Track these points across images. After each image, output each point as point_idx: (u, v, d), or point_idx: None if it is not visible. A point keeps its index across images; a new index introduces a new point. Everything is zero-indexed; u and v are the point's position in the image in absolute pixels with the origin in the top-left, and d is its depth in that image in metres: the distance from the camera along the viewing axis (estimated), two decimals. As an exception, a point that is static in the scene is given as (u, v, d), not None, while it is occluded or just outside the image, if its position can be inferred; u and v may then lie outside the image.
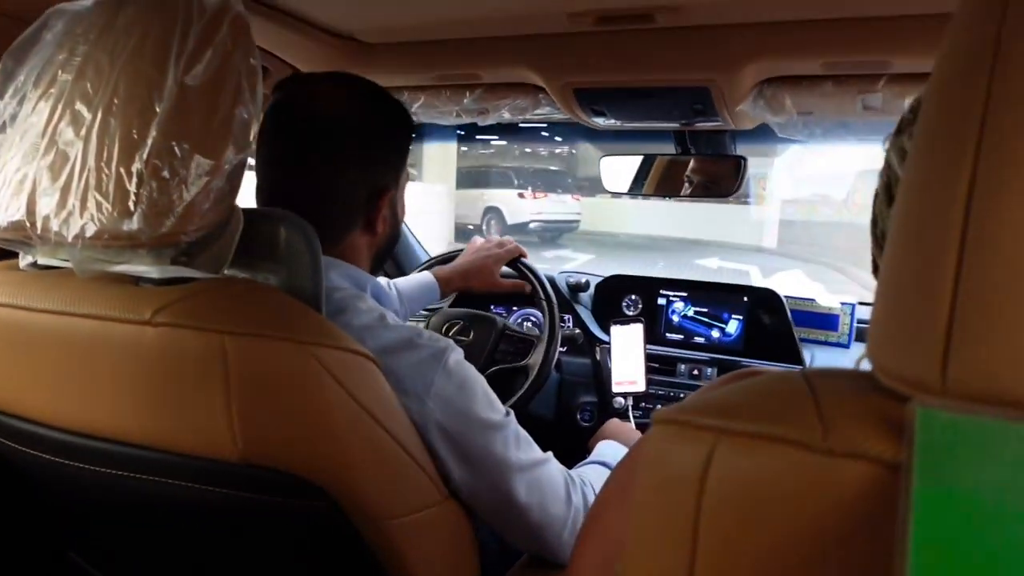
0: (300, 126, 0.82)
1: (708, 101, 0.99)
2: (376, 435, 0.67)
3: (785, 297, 1.49)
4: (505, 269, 1.42)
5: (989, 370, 0.27)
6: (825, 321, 1.50)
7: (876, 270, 0.44)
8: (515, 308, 1.70)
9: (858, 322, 1.50)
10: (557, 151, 12.54)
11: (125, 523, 0.75)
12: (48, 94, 0.64)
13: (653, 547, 0.36)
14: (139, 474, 0.65)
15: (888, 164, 0.44)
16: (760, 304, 1.51)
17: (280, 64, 1.18)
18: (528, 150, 12.46)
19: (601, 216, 11.41)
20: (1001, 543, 0.24)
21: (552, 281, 1.61)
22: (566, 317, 1.66)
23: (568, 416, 1.57)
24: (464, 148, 11.59)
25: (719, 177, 1.30)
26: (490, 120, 1.26)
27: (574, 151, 12.47)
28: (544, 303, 1.34)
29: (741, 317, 1.52)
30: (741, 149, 1.34)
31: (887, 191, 0.43)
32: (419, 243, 1.91)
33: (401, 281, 1.29)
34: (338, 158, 0.82)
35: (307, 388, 0.60)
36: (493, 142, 11.15)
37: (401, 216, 0.91)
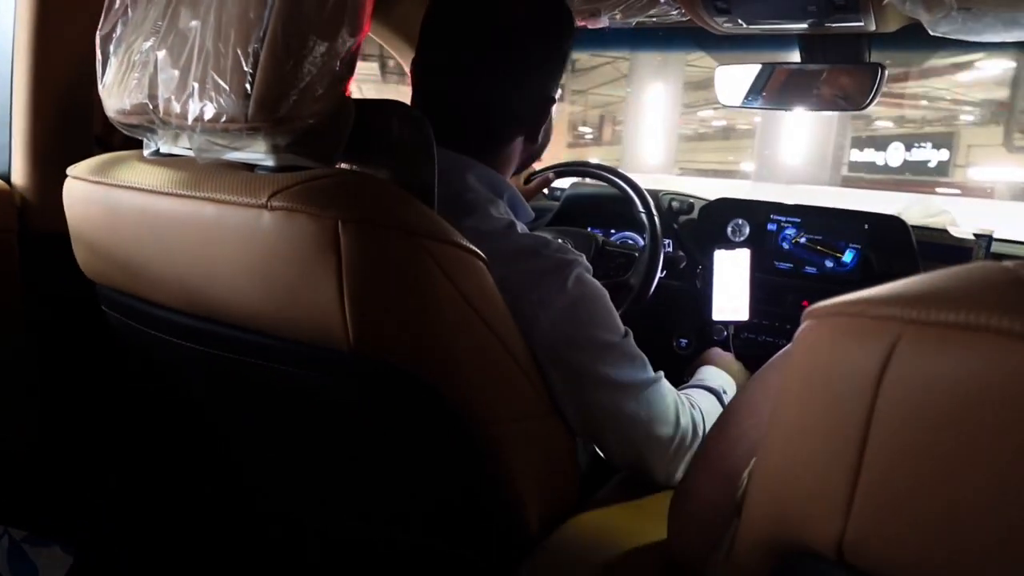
0: (477, 31, 0.78)
1: (852, -7, 0.89)
2: (482, 335, 0.66)
3: (912, 226, 1.38)
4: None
5: None
6: (955, 254, 1.37)
7: None
8: (613, 231, 1.65)
9: (992, 256, 1.36)
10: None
11: (235, 405, 0.79)
12: (167, -23, 0.63)
13: (803, 444, 0.33)
14: (253, 358, 0.66)
15: None
16: (882, 233, 1.39)
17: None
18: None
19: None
20: None
21: (654, 199, 1.54)
22: (667, 240, 1.59)
23: (664, 342, 1.54)
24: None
25: (851, 88, 1.18)
26: (601, 23, 1.19)
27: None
28: (644, 215, 1.28)
29: (859, 246, 1.41)
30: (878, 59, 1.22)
31: None
32: None
33: None
34: (518, 65, 0.79)
35: (416, 279, 0.59)
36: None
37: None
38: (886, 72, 1.12)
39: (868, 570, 0.30)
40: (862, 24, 1.02)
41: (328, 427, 0.74)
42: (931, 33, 0.87)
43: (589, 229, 1.60)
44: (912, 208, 1.43)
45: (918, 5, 0.84)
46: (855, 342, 0.30)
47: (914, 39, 1.01)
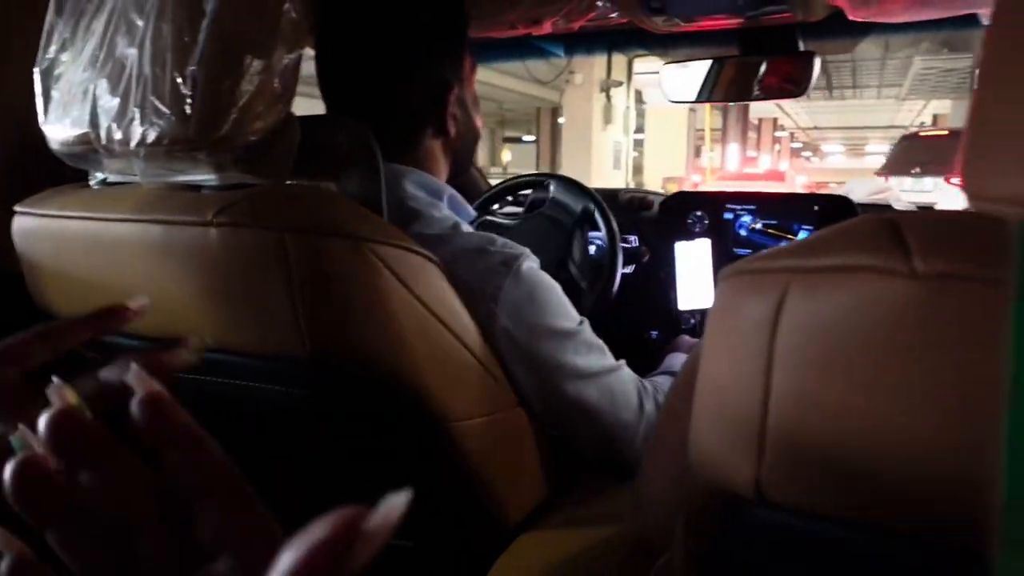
0: (347, 31, 0.80)
1: (775, -16, 0.93)
2: (439, 334, 0.67)
3: (858, 204, 1.42)
4: None
5: None
6: (906, 228, 1.41)
7: None
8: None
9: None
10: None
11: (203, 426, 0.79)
12: (102, 8, 0.65)
13: (722, 398, 0.35)
14: (213, 377, 0.67)
15: None
16: (831, 213, 1.44)
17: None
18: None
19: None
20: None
21: (613, 198, 1.58)
22: (632, 237, 1.62)
23: (636, 334, 1.56)
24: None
25: (789, 77, 1.23)
26: (544, 30, 1.22)
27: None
28: (600, 220, 1.30)
29: (811, 227, 1.45)
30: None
31: None
32: (481, 174, 1.89)
33: None
34: (393, 59, 0.80)
35: (367, 285, 0.60)
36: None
37: (475, 116, 0.89)
38: (817, 59, 1.16)
39: (785, 505, 0.32)
40: (791, 14, 1.06)
41: (297, 437, 0.74)
42: (850, 18, 0.91)
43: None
44: (857, 188, 1.48)
45: (838, -10, 0.88)
46: (752, 295, 0.32)
47: (838, 25, 1.05)
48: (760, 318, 0.31)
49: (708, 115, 15.35)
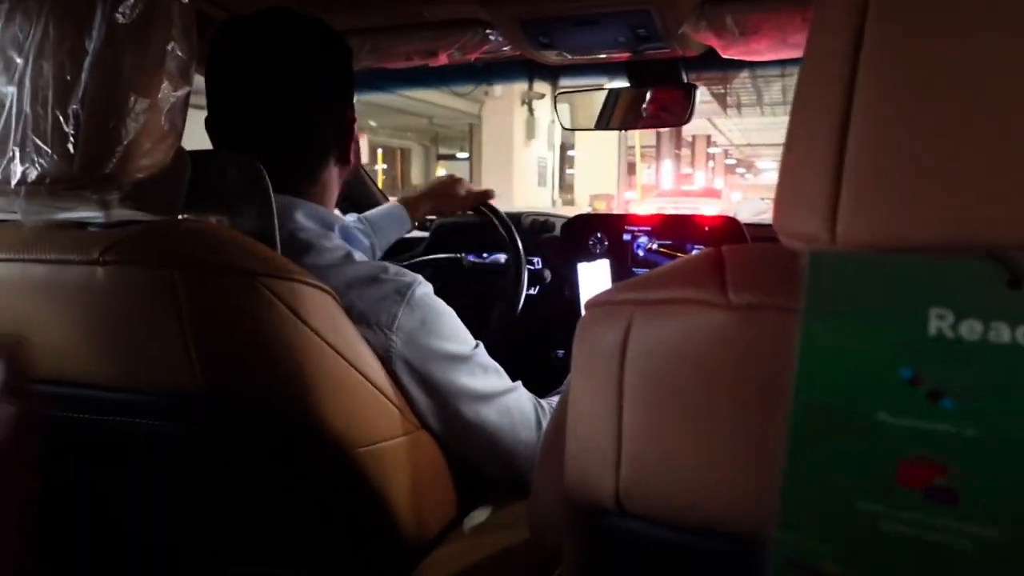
0: (256, 72, 0.81)
1: (651, 25, 1.00)
2: (335, 364, 0.68)
3: (744, 224, 1.52)
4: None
5: (868, 224, 0.29)
6: (787, 246, 1.51)
7: None
8: (485, 255, 1.71)
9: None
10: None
11: (94, 467, 0.77)
12: (-23, 44, 0.63)
13: (586, 418, 0.39)
14: (105, 416, 0.66)
15: None
16: (721, 233, 1.53)
17: (215, 9, 1.14)
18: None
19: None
20: (873, 357, 0.27)
21: (516, 221, 1.62)
22: (535, 259, 1.67)
23: (542, 355, 1.61)
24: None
25: (674, 106, 1.31)
26: (440, 61, 1.25)
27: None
28: (509, 245, 1.34)
29: (703, 246, 1.54)
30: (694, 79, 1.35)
31: None
32: (375, 185, 1.90)
33: (370, 212, 1.29)
34: (302, 97, 0.81)
35: (260, 319, 0.61)
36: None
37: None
38: (697, 90, 1.25)
39: (642, 515, 0.36)
40: (670, 50, 1.14)
41: (194, 472, 0.74)
42: (723, 56, 1.00)
43: (463, 254, 1.65)
44: (743, 209, 1.58)
45: (709, 33, 0.96)
46: (605, 325, 0.36)
47: (715, 61, 1.14)
48: (612, 346, 0.35)
49: (638, 132, 15.29)
